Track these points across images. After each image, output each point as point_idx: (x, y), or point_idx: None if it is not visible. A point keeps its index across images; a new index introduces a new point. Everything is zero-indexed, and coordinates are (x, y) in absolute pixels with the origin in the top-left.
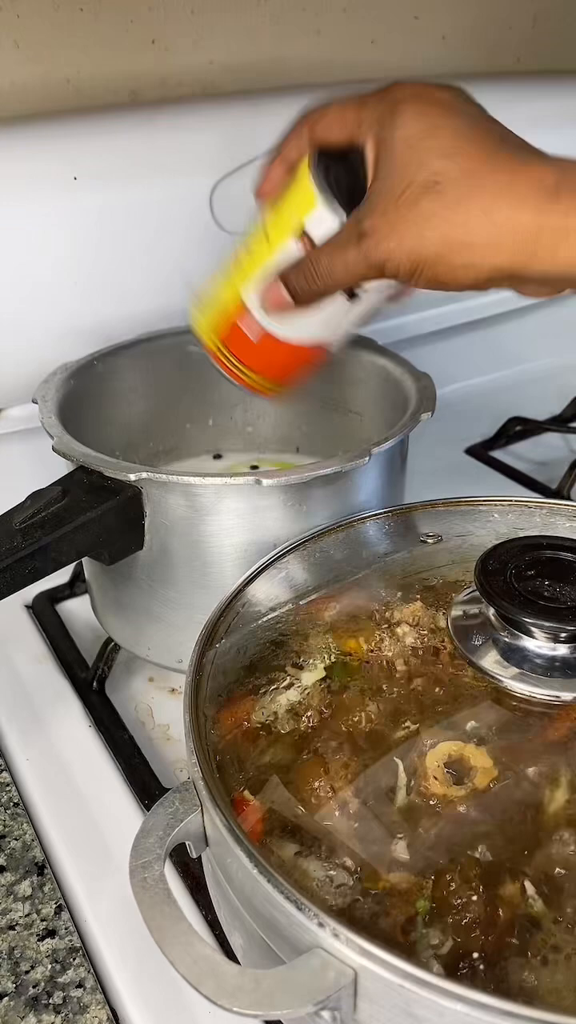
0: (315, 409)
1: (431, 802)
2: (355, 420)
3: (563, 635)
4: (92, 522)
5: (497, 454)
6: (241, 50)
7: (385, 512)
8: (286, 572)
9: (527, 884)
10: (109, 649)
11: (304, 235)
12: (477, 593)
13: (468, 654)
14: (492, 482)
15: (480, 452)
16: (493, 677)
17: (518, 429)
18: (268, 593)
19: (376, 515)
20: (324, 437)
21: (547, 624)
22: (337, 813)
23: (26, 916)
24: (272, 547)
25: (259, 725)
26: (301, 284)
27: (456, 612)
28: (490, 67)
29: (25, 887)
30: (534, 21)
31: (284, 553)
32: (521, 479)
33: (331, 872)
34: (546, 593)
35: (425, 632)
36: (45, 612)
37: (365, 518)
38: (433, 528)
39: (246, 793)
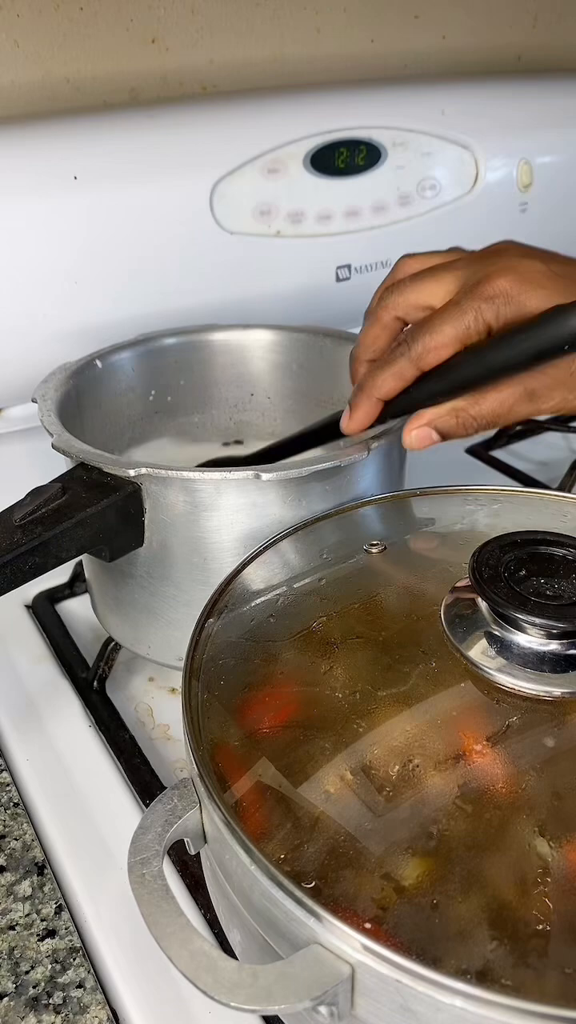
0: (314, 409)
1: (437, 793)
2: None
3: (554, 631)
4: (92, 518)
5: (498, 454)
6: (241, 50)
7: (387, 497)
8: (280, 559)
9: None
10: (109, 649)
11: None
12: (470, 583)
13: (456, 643)
14: (493, 482)
15: (481, 452)
16: (479, 667)
17: (519, 428)
18: (263, 580)
19: (380, 499)
20: None
21: (537, 620)
22: (337, 804)
23: (26, 916)
24: None
25: (259, 718)
26: (456, 431)
27: (449, 600)
28: (490, 67)
29: (25, 887)
30: (534, 21)
31: (275, 542)
32: (522, 479)
33: (331, 867)
34: (541, 589)
35: (416, 619)
36: (45, 612)
37: (367, 503)
38: (433, 514)
39: (244, 787)
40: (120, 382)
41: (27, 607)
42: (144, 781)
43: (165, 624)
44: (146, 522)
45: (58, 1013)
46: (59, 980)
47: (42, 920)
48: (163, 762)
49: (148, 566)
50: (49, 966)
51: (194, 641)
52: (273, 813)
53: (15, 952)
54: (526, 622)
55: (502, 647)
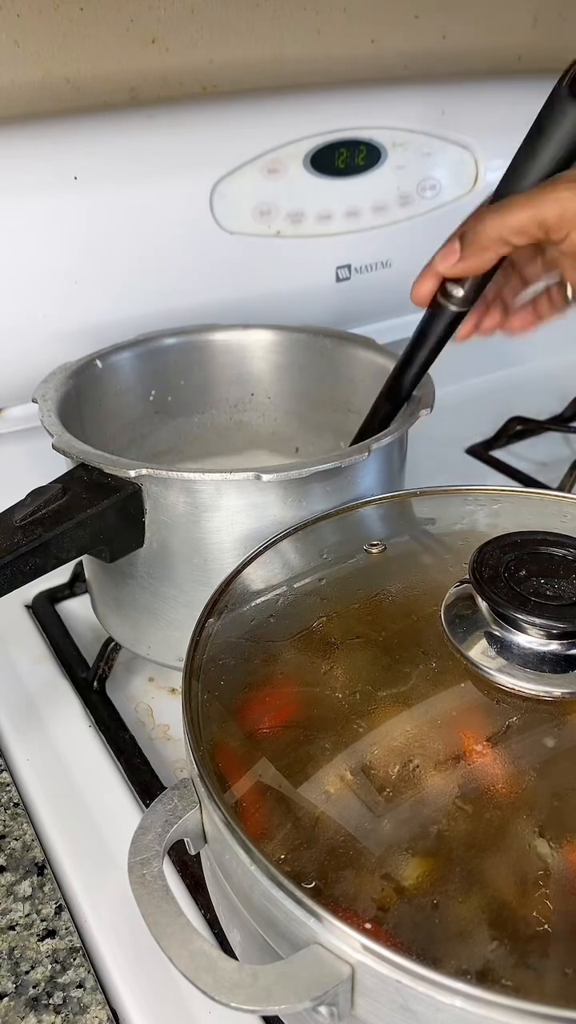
0: (314, 409)
1: (437, 793)
2: (354, 419)
3: (554, 631)
4: (92, 519)
5: (498, 454)
6: (241, 50)
7: (387, 498)
8: (280, 559)
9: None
10: (110, 649)
11: None
12: (470, 583)
13: (456, 643)
14: (493, 482)
15: (481, 452)
16: (479, 667)
17: (519, 429)
18: (263, 580)
19: (380, 500)
20: (323, 436)
21: (537, 620)
22: (337, 804)
23: (26, 916)
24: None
25: (259, 718)
26: (478, 233)
27: (449, 600)
28: (490, 67)
29: (25, 887)
30: (534, 21)
31: (275, 542)
32: (522, 479)
33: (331, 867)
34: (541, 589)
35: (416, 619)
36: (45, 612)
37: (367, 503)
38: (433, 514)
39: (244, 787)
40: (120, 382)
41: (27, 607)
42: (144, 781)
43: (165, 624)
44: (146, 523)
45: (58, 1013)
46: (59, 980)
47: (42, 920)
48: (163, 762)
49: (148, 567)
50: (49, 966)
51: (194, 641)
52: (273, 813)
53: (15, 952)
54: (526, 622)
55: (502, 647)
